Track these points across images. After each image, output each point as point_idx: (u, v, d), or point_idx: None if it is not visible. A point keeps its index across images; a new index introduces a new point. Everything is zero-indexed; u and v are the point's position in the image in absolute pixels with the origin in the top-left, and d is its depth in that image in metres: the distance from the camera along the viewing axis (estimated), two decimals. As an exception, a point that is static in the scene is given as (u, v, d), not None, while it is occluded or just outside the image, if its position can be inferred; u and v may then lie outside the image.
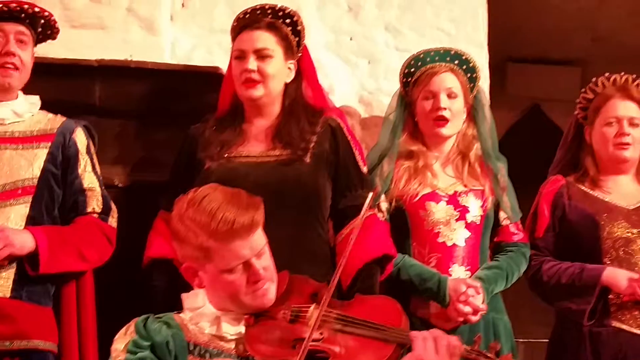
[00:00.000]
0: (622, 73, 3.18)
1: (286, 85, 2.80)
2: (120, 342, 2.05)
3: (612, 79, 3.17)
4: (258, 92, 2.73)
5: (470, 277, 2.92)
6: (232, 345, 2.12)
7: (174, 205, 2.14)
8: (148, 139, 3.04)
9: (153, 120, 3.04)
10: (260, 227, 2.11)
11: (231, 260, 2.06)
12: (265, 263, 2.11)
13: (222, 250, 2.05)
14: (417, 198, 2.96)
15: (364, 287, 2.25)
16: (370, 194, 2.20)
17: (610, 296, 2.99)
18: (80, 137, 2.75)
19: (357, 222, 2.23)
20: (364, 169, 2.86)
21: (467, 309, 2.83)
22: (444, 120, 2.99)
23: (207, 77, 2.90)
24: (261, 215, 2.10)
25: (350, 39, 3.40)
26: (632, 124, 3.11)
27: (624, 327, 2.98)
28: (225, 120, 2.80)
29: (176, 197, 2.16)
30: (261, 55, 2.73)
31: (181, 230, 2.09)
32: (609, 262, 3.02)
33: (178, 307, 2.20)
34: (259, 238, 2.11)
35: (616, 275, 2.96)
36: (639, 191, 3.10)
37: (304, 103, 2.82)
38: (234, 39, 2.81)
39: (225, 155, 2.71)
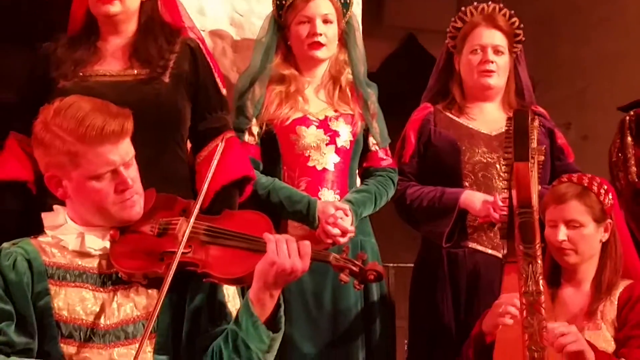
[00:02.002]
0: (490, 2, 3.24)
1: (142, 2, 2.72)
2: None
3: (479, 8, 3.22)
4: (115, 7, 2.65)
5: (339, 200, 2.97)
6: (95, 263, 2.11)
7: (31, 121, 2.09)
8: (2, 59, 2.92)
9: (8, 39, 2.92)
10: (129, 136, 2.09)
11: (99, 165, 2.04)
12: (133, 174, 2.11)
13: (91, 155, 2.03)
14: (288, 122, 2.98)
15: (223, 209, 2.27)
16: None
17: (468, 218, 3.09)
18: None
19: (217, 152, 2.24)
20: (224, 91, 2.83)
21: (336, 230, 2.88)
22: (319, 45, 3.00)
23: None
24: (131, 125, 2.09)
25: (222, -41, 3.33)
26: (496, 51, 3.18)
27: (479, 247, 3.09)
28: (78, 38, 2.71)
29: (27, 116, 2.10)
30: None
31: (46, 138, 2.05)
32: (468, 186, 3.11)
33: (34, 233, 2.15)
34: (128, 147, 2.10)
35: (473, 198, 3.05)
36: (503, 118, 3.14)
37: (161, 21, 2.76)
38: None
39: (80, 74, 2.63)
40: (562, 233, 2.64)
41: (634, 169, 3.20)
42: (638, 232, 3.06)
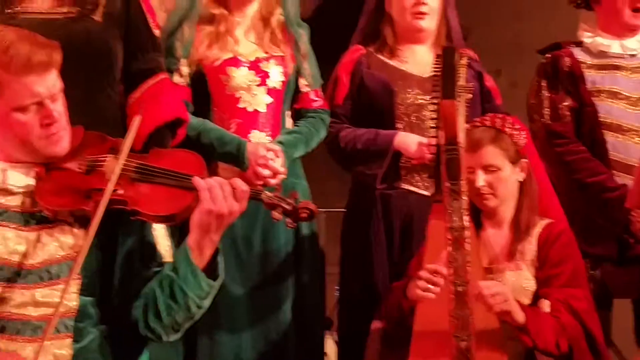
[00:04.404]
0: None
1: None
2: None
3: None
4: None
5: (270, 142, 2.96)
6: (18, 201, 2.07)
7: None
8: None
9: None
10: (56, 69, 2.05)
11: (24, 96, 2.00)
12: (59, 109, 2.06)
13: (15, 84, 1.98)
14: (218, 63, 2.95)
15: None
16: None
17: (401, 159, 3.10)
18: None
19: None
20: (156, 32, 2.78)
21: (266, 172, 2.88)
22: None
23: None
24: (59, 57, 2.04)
25: None
26: None
27: (413, 188, 3.12)
28: None
29: None
30: None
31: None
32: (401, 128, 3.13)
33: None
34: (55, 80, 2.05)
35: (407, 140, 3.07)
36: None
37: None
38: None
39: (8, 11, 2.55)
40: (481, 179, 2.66)
41: (547, 110, 3.24)
42: (553, 174, 3.11)
